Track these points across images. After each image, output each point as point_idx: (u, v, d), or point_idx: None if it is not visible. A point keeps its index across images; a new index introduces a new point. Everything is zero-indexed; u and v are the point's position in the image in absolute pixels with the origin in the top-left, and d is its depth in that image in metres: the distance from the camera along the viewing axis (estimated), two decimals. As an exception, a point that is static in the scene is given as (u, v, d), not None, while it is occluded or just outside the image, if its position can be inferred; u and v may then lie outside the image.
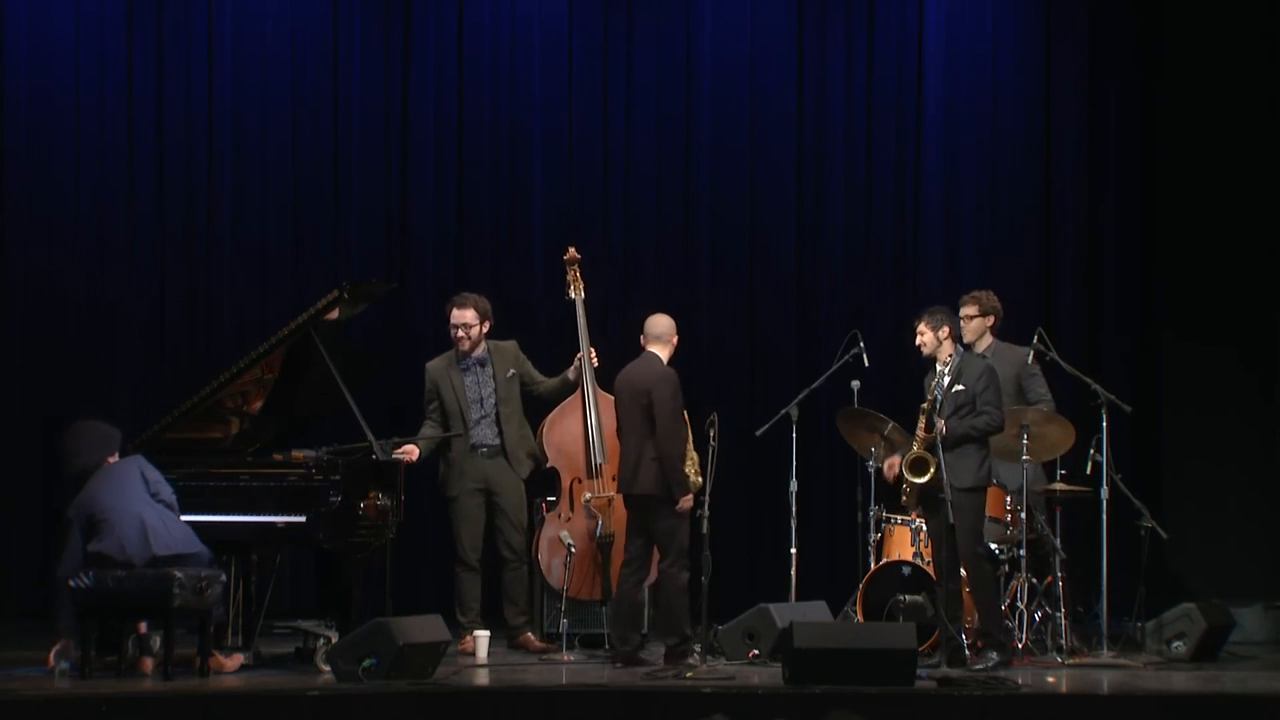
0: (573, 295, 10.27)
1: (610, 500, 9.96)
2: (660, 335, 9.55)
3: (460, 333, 10.07)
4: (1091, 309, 12.29)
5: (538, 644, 9.94)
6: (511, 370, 10.14)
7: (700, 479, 9.46)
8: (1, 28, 11.79)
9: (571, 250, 10.36)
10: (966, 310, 10.16)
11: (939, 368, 9.55)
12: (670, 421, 9.34)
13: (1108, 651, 9.70)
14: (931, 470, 9.37)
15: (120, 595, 8.53)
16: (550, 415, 10.11)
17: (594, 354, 10.12)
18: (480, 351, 10.11)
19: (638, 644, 9.40)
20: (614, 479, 9.90)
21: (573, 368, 10.12)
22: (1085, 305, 12.29)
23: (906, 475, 9.48)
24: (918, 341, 9.61)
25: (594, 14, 12.26)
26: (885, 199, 12.38)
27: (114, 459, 8.93)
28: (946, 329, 9.56)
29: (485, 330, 10.12)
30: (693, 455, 9.57)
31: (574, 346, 10.27)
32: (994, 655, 9.19)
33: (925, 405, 9.46)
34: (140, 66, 11.92)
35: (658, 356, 9.49)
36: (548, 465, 10.09)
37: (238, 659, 8.95)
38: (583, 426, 10.04)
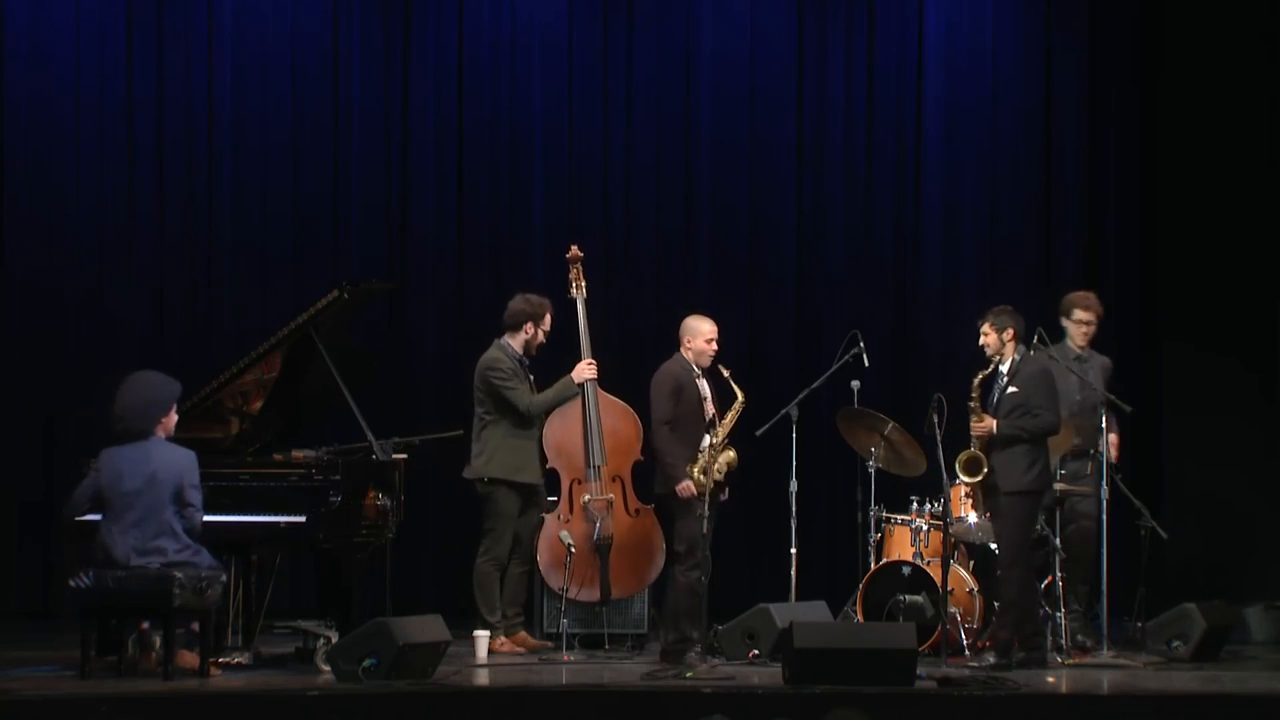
0: (574, 294, 10.20)
1: (609, 502, 9.95)
2: (680, 337, 9.65)
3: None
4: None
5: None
6: (530, 376, 10.17)
7: (705, 480, 9.43)
8: (1, 28, 11.80)
9: (574, 248, 10.27)
10: (1088, 316, 10.22)
11: (1000, 369, 9.50)
12: (658, 420, 9.48)
13: (1108, 651, 9.70)
14: (985, 470, 9.37)
15: (120, 595, 8.52)
16: (552, 415, 10.09)
17: (594, 364, 10.04)
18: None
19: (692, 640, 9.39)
20: (614, 480, 9.89)
21: (575, 372, 10.07)
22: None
23: (961, 476, 9.47)
24: (981, 342, 9.56)
25: (594, 14, 12.26)
26: (885, 199, 12.37)
27: (169, 419, 8.80)
28: (1011, 330, 9.52)
29: None
30: (704, 456, 9.49)
31: (573, 347, 10.25)
32: (991, 659, 9.19)
33: (972, 404, 9.43)
34: (140, 67, 11.92)
35: (677, 356, 9.60)
36: (548, 466, 10.08)
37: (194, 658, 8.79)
38: (582, 427, 10.03)
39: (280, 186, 12.06)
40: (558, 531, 9.89)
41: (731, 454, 9.56)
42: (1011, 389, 9.43)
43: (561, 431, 10.03)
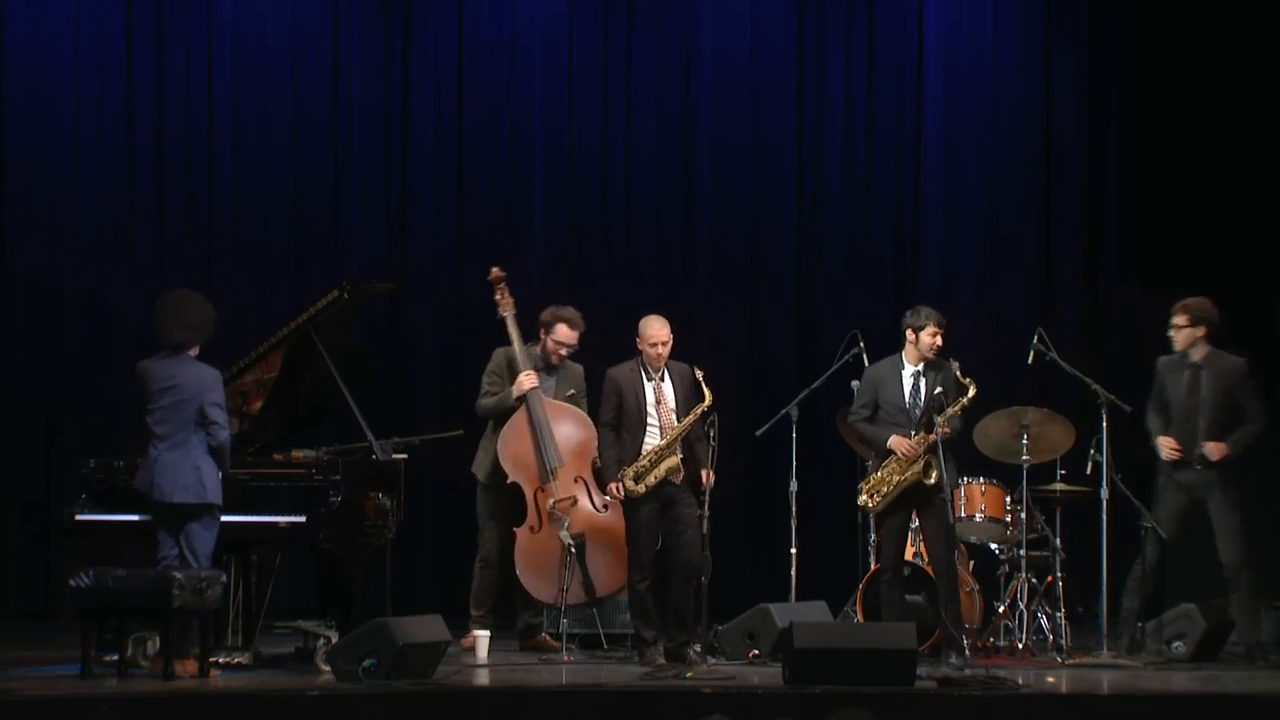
0: (503, 313, 10.15)
1: (574, 501, 9.88)
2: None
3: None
4: (1092, 309, 12.29)
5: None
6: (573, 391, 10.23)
7: (637, 486, 9.29)
8: (1, 28, 11.81)
9: (495, 270, 10.19)
10: (1176, 320, 9.98)
11: (914, 368, 9.51)
12: (597, 422, 9.52)
13: (1108, 651, 9.70)
14: (935, 473, 9.33)
15: (120, 595, 8.53)
16: (502, 432, 10.00)
17: (533, 375, 9.99)
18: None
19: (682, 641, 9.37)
20: (575, 480, 9.83)
21: (514, 385, 10.03)
22: (1085, 305, 12.29)
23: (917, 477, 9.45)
24: (938, 344, 9.53)
25: (594, 14, 12.27)
26: (885, 199, 12.39)
27: (193, 351, 8.93)
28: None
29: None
30: (639, 463, 9.32)
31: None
32: (954, 659, 9.18)
33: (945, 415, 9.41)
34: (140, 66, 11.93)
35: (635, 358, 9.52)
36: (509, 482, 10.00)
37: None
38: (532, 436, 9.97)
39: (280, 186, 12.07)
40: (557, 531, 9.84)
41: (674, 460, 9.34)
42: (939, 389, 9.43)
43: (515, 444, 9.95)
